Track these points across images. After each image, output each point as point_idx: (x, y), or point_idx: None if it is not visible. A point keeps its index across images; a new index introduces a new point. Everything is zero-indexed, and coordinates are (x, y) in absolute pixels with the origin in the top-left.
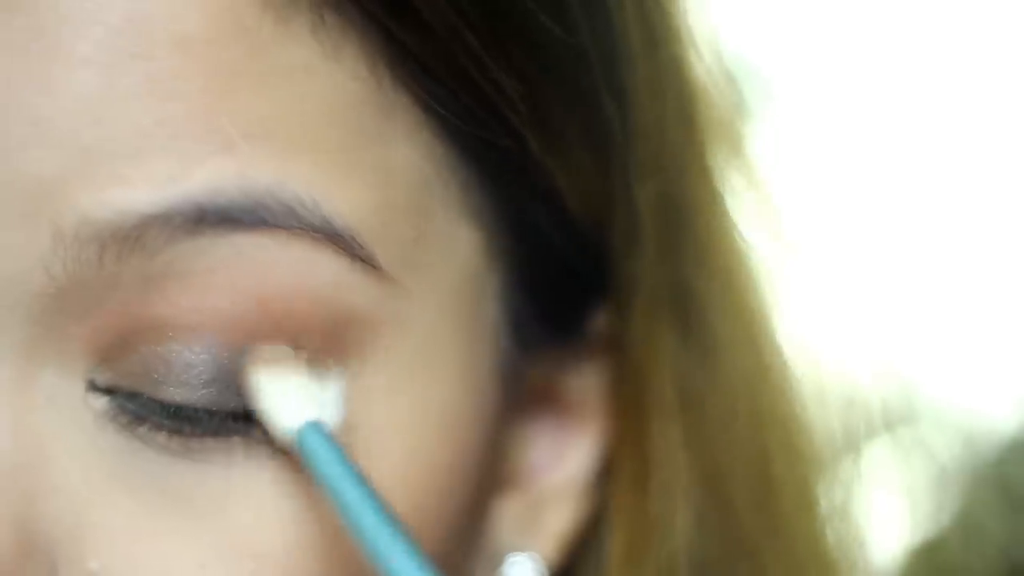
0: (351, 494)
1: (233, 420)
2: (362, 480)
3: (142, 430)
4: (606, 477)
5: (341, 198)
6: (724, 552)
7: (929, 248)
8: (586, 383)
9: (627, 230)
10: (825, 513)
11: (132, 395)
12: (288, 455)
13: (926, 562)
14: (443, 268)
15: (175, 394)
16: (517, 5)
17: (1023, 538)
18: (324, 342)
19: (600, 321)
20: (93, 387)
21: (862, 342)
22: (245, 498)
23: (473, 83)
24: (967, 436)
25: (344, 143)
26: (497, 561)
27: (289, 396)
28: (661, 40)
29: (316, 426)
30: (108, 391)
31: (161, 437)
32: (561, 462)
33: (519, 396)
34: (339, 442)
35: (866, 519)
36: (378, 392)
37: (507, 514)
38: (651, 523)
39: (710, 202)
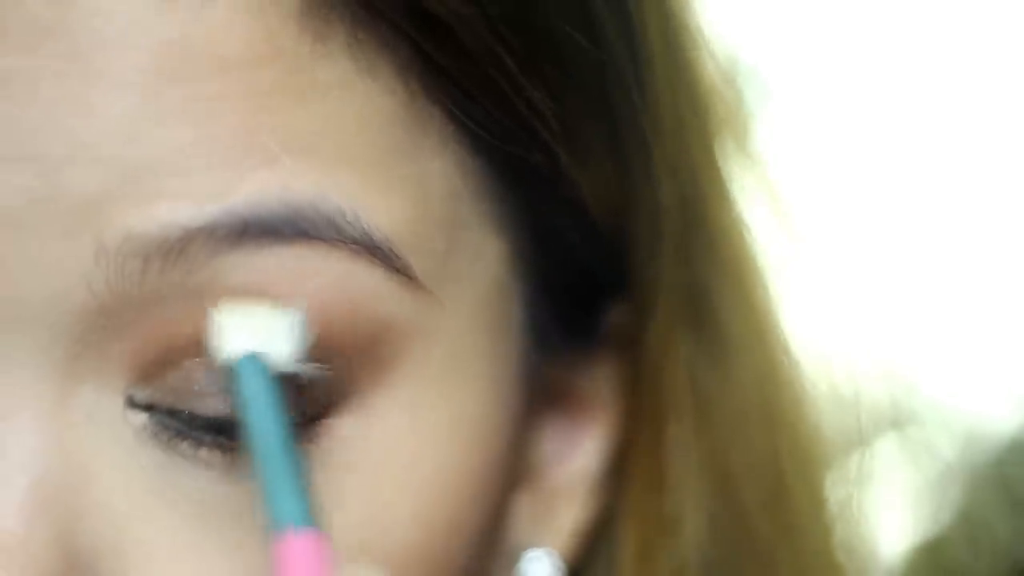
0: (262, 425)
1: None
2: (278, 416)
3: (183, 446)
4: (618, 476)
5: (379, 210)
6: (734, 552)
7: (930, 248)
8: (599, 380)
9: (648, 233)
10: (834, 514)
11: (172, 412)
12: (331, 466)
13: (927, 562)
14: (472, 279)
15: (218, 405)
16: (549, 21)
17: (1022, 539)
18: (361, 352)
19: (615, 320)
20: (132, 403)
21: (863, 342)
22: None
23: (505, 99)
24: (968, 436)
25: (381, 157)
26: (512, 556)
27: (234, 330)
28: (678, 42)
29: (252, 358)
30: (147, 407)
31: (203, 453)
32: (573, 456)
33: (536, 394)
34: (274, 375)
35: (869, 519)
36: (409, 402)
37: (521, 509)
38: (664, 523)
39: (722, 202)
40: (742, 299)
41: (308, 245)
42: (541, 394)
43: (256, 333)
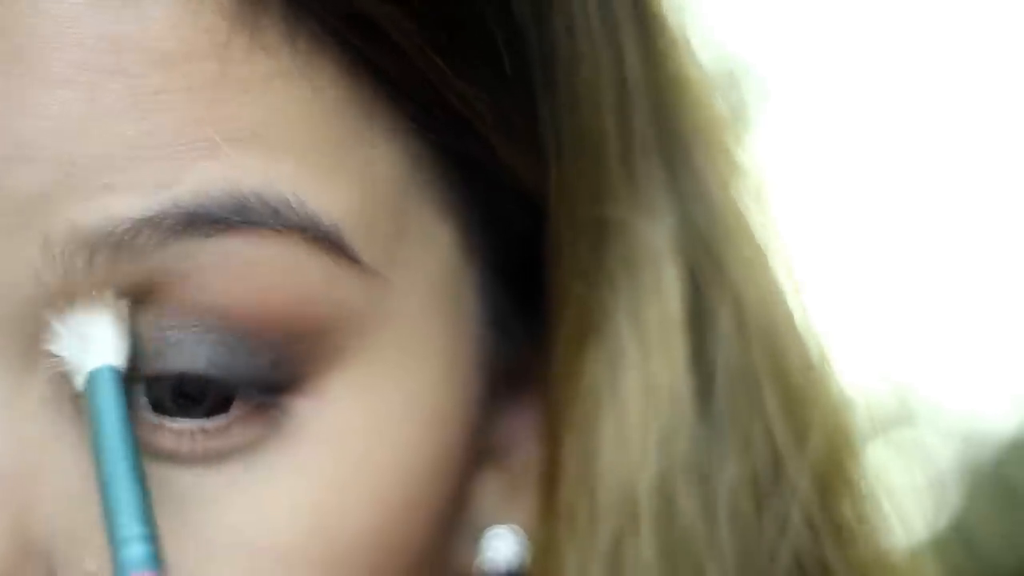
0: (110, 443)
1: (240, 392)
2: (126, 432)
3: (144, 434)
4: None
5: (326, 197)
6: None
7: (927, 250)
8: None
9: (560, 223)
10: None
11: (132, 382)
12: (286, 446)
13: (924, 564)
14: (423, 264)
15: (177, 358)
16: (473, 17)
17: (1022, 539)
18: (312, 336)
19: None
20: None
21: (860, 344)
22: (239, 496)
23: (437, 93)
24: (967, 436)
25: (327, 144)
26: (478, 534)
27: (83, 340)
28: (622, 38)
29: (104, 371)
30: None
31: (158, 438)
32: (541, 435)
33: (500, 378)
34: (121, 388)
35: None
36: (363, 385)
37: (488, 488)
38: (562, 521)
39: (639, 212)
40: (639, 309)
41: (255, 233)
42: (508, 376)
43: (98, 345)
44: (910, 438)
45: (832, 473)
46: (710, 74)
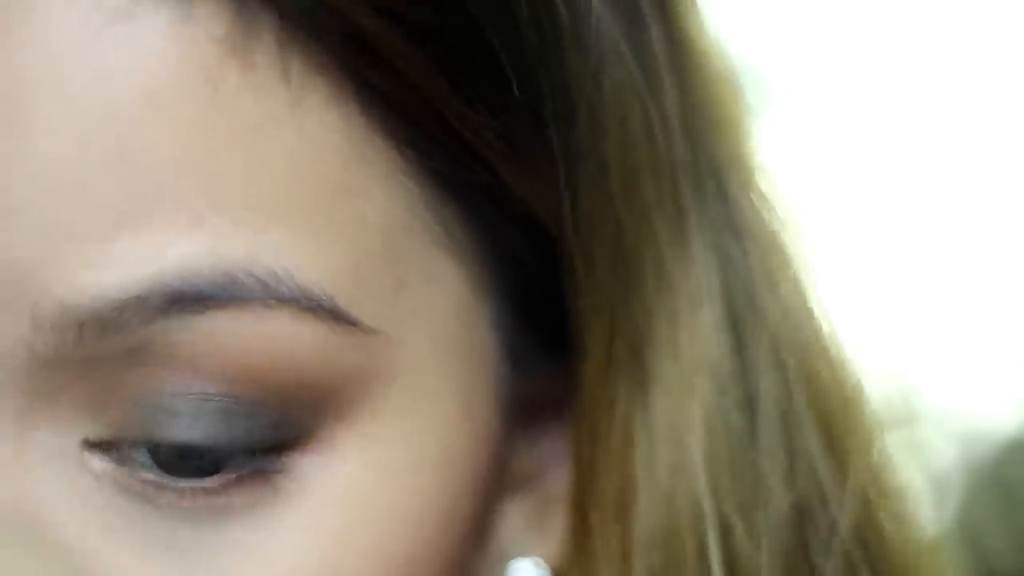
0: None
1: (241, 455)
2: None
3: (145, 490)
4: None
5: (316, 262)
6: None
7: (928, 249)
8: None
9: (583, 253)
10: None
11: (134, 445)
12: (291, 504)
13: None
14: (430, 308)
15: (177, 429)
16: (482, 41)
17: (1022, 540)
18: (317, 402)
19: None
20: (88, 445)
21: (861, 344)
22: (244, 553)
23: (442, 120)
24: (967, 436)
25: (317, 201)
26: (504, 561)
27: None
28: (624, 58)
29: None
30: (108, 445)
31: (164, 497)
32: (568, 462)
33: (520, 409)
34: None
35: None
36: (370, 439)
37: (516, 515)
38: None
39: (669, 232)
40: (674, 343)
41: (244, 307)
42: (530, 406)
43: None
44: (911, 438)
45: (871, 503)
46: (741, 92)
